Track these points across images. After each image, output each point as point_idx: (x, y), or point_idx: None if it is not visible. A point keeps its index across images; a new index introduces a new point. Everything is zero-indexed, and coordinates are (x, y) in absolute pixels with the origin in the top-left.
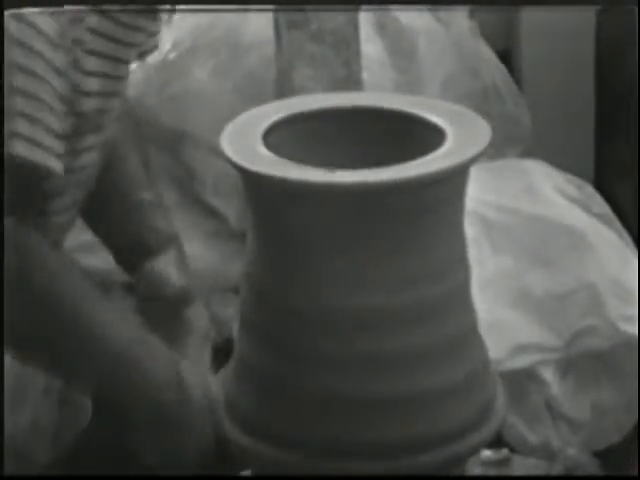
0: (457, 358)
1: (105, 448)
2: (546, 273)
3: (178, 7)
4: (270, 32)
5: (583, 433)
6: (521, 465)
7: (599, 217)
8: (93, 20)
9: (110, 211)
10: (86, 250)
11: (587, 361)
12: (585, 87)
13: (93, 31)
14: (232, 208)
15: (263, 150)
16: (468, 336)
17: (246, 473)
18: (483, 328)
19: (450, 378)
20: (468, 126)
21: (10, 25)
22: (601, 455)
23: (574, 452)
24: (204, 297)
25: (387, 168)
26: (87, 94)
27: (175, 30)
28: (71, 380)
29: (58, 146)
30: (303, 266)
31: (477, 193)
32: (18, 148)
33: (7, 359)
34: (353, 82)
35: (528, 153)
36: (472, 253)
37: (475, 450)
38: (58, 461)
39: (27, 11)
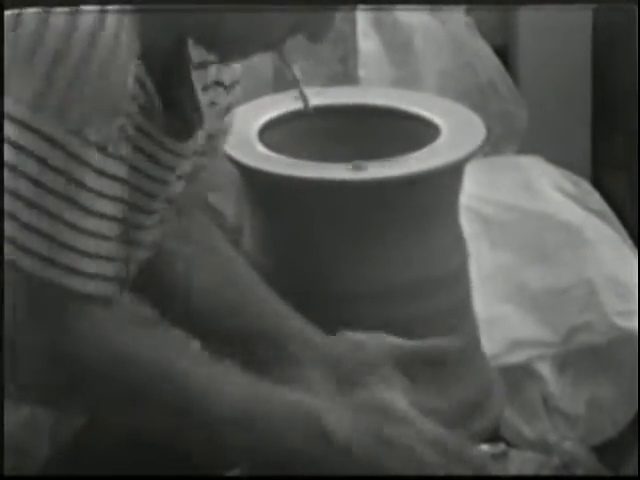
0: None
1: (103, 447)
2: (543, 269)
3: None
4: None
5: (579, 428)
6: (517, 459)
7: (596, 213)
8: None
9: None
10: None
11: (584, 356)
12: (582, 83)
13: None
14: (229, 204)
15: (260, 146)
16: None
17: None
18: (480, 323)
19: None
20: (463, 123)
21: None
22: (597, 449)
23: (571, 446)
24: None
25: (382, 164)
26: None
27: None
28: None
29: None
30: (299, 263)
31: (474, 189)
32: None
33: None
34: (349, 78)
35: (525, 149)
36: (470, 249)
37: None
38: (55, 459)
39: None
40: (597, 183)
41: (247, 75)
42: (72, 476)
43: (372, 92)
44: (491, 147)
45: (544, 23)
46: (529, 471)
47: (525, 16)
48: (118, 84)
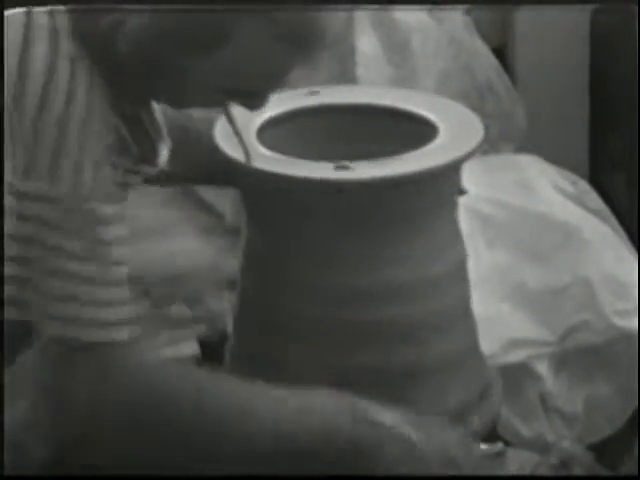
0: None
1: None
2: (541, 268)
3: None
4: None
5: (577, 427)
6: (515, 458)
7: (594, 212)
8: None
9: None
10: None
11: (581, 355)
12: (579, 83)
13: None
14: (227, 203)
15: (258, 146)
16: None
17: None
18: (478, 323)
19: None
20: (461, 122)
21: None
22: (595, 448)
23: (569, 445)
24: (198, 291)
25: (380, 164)
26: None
27: None
28: None
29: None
30: (297, 262)
31: (472, 188)
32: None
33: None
34: (348, 77)
35: (523, 149)
36: (467, 248)
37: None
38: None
39: None
40: (595, 182)
41: None
42: (72, 476)
43: (369, 91)
44: (489, 146)
45: (542, 23)
46: (527, 470)
47: (523, 16)
48: (98, 135)
